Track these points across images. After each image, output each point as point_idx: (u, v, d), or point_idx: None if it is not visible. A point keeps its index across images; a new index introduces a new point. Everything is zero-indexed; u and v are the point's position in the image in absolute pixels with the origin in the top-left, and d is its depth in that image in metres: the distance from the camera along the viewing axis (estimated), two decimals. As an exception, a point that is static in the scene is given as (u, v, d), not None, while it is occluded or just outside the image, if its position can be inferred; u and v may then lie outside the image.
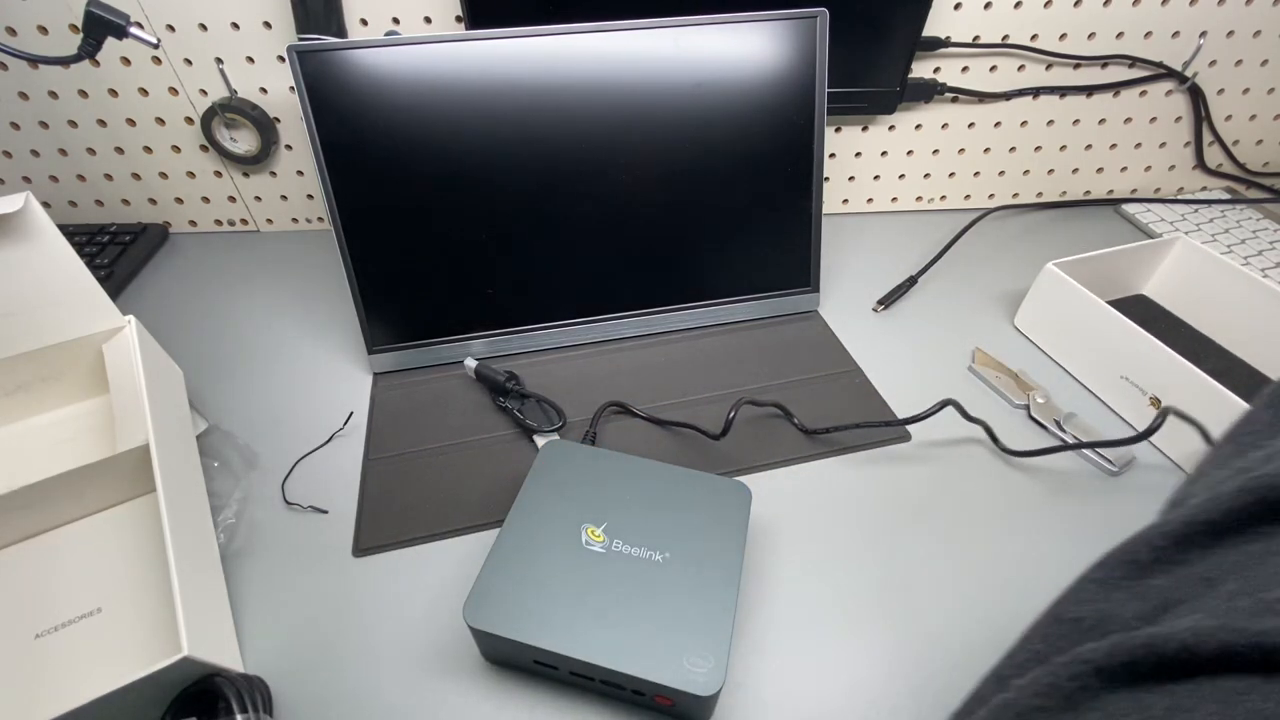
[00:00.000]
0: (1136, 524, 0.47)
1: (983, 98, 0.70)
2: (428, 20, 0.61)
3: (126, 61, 0.62)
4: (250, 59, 0.62)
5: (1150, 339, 0.49)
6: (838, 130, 0.72)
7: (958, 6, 0.64)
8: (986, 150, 0.75)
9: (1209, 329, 0.60)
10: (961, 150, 0.74)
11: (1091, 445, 0.47)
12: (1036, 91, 0.70)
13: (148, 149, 0.68)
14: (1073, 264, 0.57)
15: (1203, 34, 0.68)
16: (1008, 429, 0.52)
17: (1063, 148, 0.76)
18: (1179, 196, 0.80)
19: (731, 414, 0.48)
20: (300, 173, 0.71)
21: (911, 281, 0.66)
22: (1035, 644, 0.21)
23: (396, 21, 0.61)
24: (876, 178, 0.76)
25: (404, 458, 0.49)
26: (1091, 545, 0.44)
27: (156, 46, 0.49)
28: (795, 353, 0.59)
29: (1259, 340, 0.56)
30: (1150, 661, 0.17)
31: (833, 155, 0.74)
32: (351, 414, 0.53)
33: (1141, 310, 0.63)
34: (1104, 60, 0.69)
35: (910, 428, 0.51)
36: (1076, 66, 0.69)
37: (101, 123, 0.66)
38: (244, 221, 0.75)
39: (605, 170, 0.54)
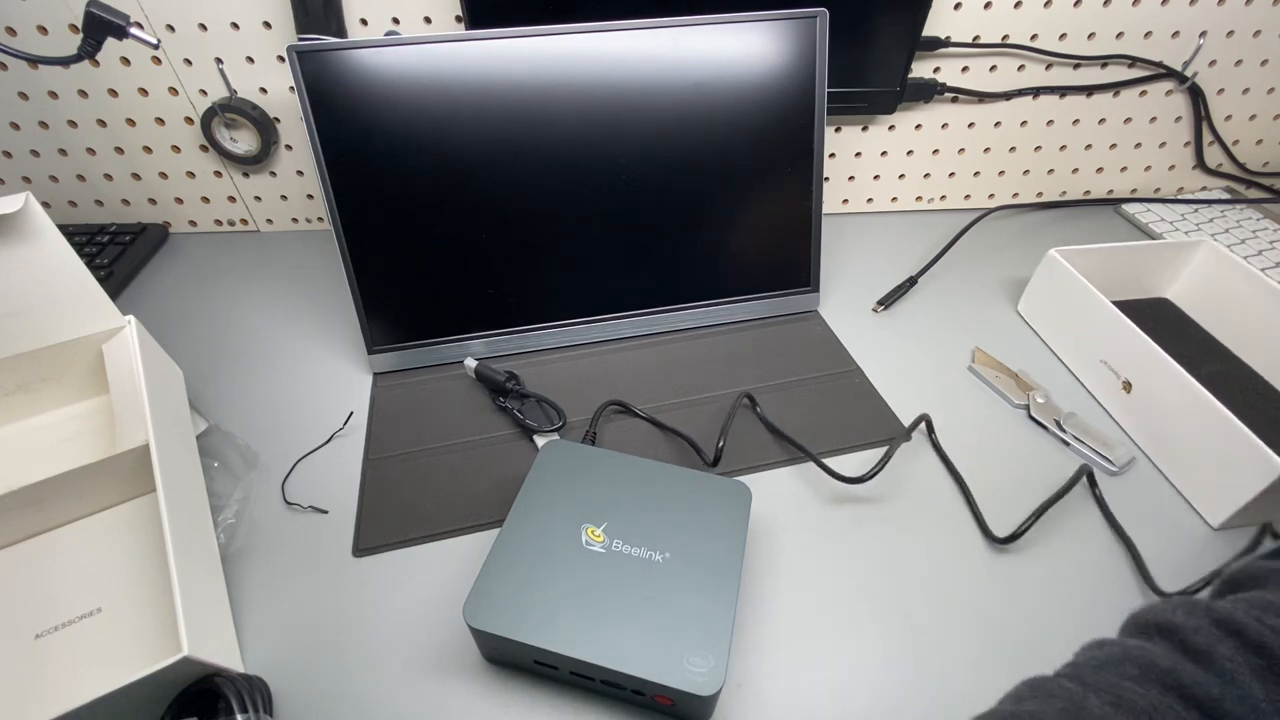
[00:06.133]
0: (1136, 522, 0.47)
1: (983, 98, 0.70)
2: (428, 20, 0.61)
3: (126, 61, 0.62)
4: (250, 59, 0.62)
5: (1129, 325, 0.50)
6: (838, 130, 0.72)
7: (958, 6, 0.64)
8: (986, 150, 0.75)
9: (1226, 336, 0.59)
10: (961, 150, 0.74)
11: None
12: (1036, 91, 0.70)
13: (147, 149, 0.68)
14: (1077, 253, 0.58)
15: (1203, 34, 0.68)
16: (1007, 429, 0.52)
17: (1063, 148, 0.76)
18: (1179, 196, 0.80)
19: (720, 443, 0.48)
20: (300, 173, 0.71)
21: (911, 282, 0.66)
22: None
23: (396, 21, 0.61)
24: (876, 178, 0.76)
25: (404, 458, 0.49)
26: (1091, 542, 0.44)
27: (156, 47, 0.49)
28: (795, 353, 0.58)
29: (1272, 349, 0.55)
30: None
31: (833, 155, 0.74)
32: (351, 414, 0.53)
33: (1160, 313, 0.62)
34: (1104, 60, 0.69)
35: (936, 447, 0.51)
36: (1076, 66, 0.69)
37: (101, 123, 0.66)
38: (244, 221, 0.75)
39: (605, 170, 0.54)
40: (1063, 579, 0.42)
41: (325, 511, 0.46)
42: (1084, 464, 0.48)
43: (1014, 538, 0.43)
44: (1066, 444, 0.50)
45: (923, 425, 0.51)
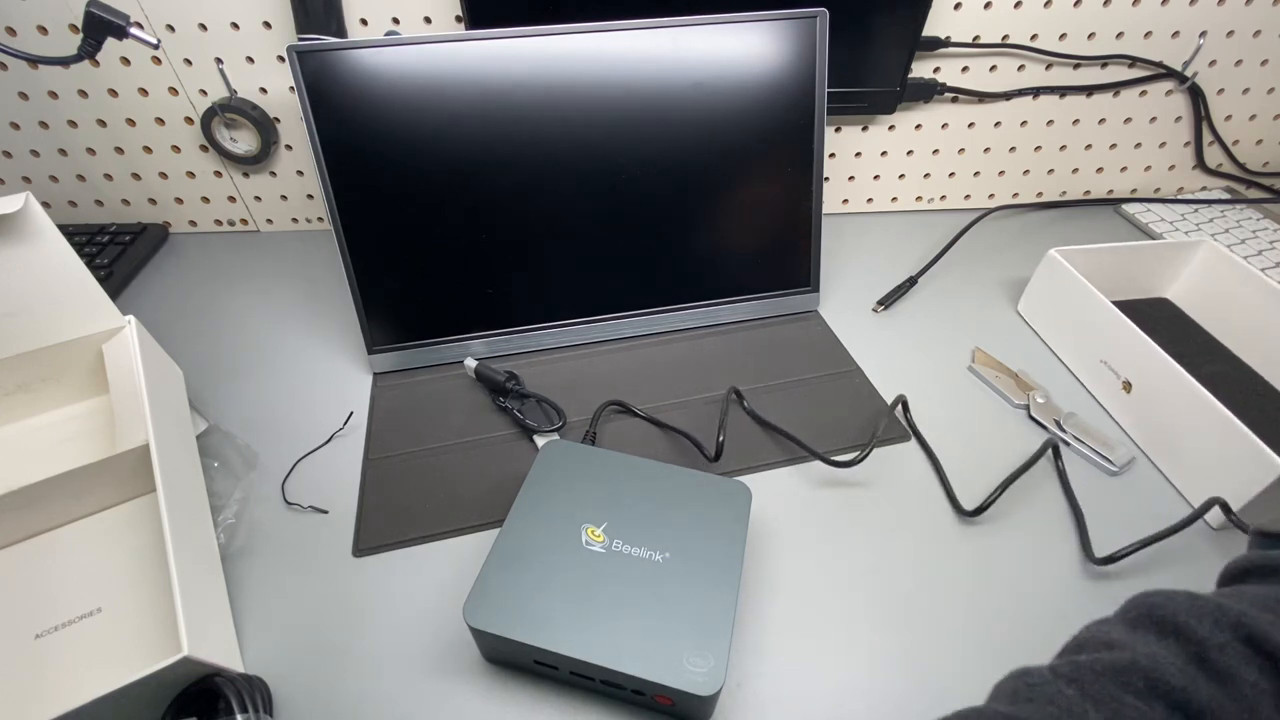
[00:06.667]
0: (1136, 521, 0.47)
1: (983, 98, 0.70)
2: (428, 20, 0.61)
3: (126, 61, 0.62)
4: (250, 59, 0.62)
5: (1129, 325, 0.50)
6: (838, 130, 0.72)
7: (958, 6, 0.64)
8: (986, 150, 0.75)
9: (1226, 336, 0.59)
10: (961, 150, 0.74)
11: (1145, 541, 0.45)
12: (1036, 91, 0.70)
13: (148, 149, 0.68)
14: (1077, 253, 0.58)
15: (1203, 34, 0.68)
16: (1007, 429, 0.52)
17: (1063, 148, 0.76)
18: (1179, 196, 0.80)
19: (720, 437, 0.48)
20: (300, 173, 0.71)
21: (911, 282, 0.66)
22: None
23: (396, 21, 0.61)
24: (876, 178, 0.76)
25: (404, 458, 0.49)
26: (1093, 541, 0.44)
27: (156, 47, 0.49)
28: (795, 353, 0.58)
29: (1272, 349, 0.55)
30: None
31: (833, 155, 0.74)
32: (351, 414, 0.53)
33: (1160, 313, 0.62)
34: (1104, 60, 0.69)
35: (912, 427, 0.51)
36: (1076, 66, 0.69)
37: (101, 123, 0.66)
38: (244, 221, 0.75)
39: (605, 170, 0.54)
40: (1065, 575, 0.42)
41: (325, 511, 0.46)
42: (1049, 438, 0.49)
43: (981, 511, 0.45)
44: (1067, 444, 0.50)
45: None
